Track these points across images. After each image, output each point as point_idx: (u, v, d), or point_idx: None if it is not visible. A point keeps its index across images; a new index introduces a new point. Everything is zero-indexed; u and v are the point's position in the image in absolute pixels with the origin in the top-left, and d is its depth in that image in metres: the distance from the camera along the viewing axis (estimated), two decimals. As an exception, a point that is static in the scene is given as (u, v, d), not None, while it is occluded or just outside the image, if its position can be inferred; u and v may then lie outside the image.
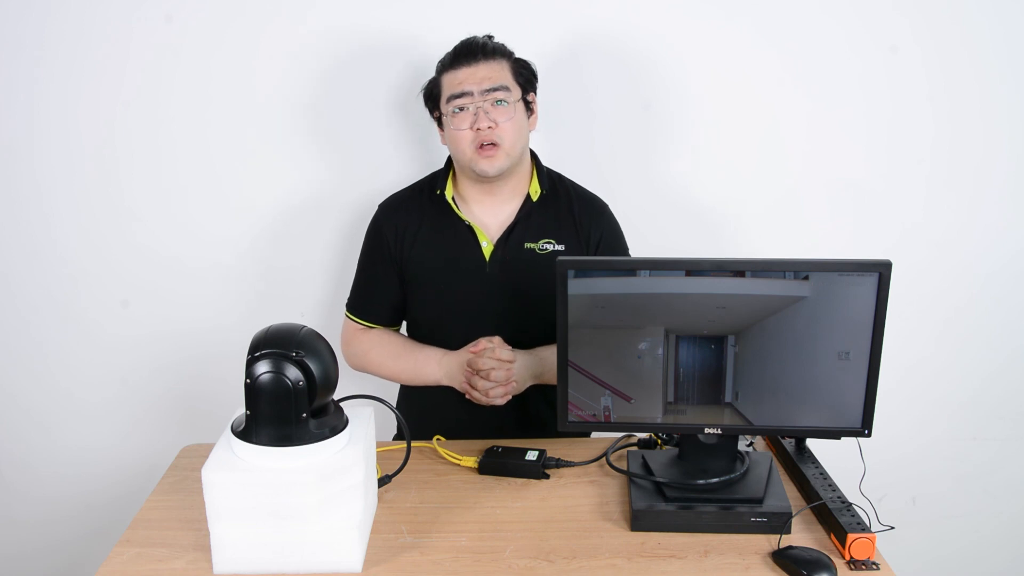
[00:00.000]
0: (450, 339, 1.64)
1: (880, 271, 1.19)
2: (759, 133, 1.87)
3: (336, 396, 1.24)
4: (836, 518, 1.22)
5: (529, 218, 1.62)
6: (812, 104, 1.85)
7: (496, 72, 1.56)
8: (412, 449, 1.38)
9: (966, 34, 1.81)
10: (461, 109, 1.55)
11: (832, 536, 1.23)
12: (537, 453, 1.44)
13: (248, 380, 1.14)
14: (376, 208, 1.70)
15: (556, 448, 1.48)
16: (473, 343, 1.56)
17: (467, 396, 1.57)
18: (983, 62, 1.82)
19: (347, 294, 1.75)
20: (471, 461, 1.46)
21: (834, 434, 1.28)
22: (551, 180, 1.67)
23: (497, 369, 1.52)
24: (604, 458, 1.46)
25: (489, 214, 1.64)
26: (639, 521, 1.26)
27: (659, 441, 1.48)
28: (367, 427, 1.25)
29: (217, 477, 1.12)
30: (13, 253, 1.93)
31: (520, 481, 1.41)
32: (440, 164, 1.71)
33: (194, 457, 1.51)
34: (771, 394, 1.27)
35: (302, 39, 1.81)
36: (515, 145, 1.56)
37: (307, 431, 1.15)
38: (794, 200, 1.91)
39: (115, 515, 1.92)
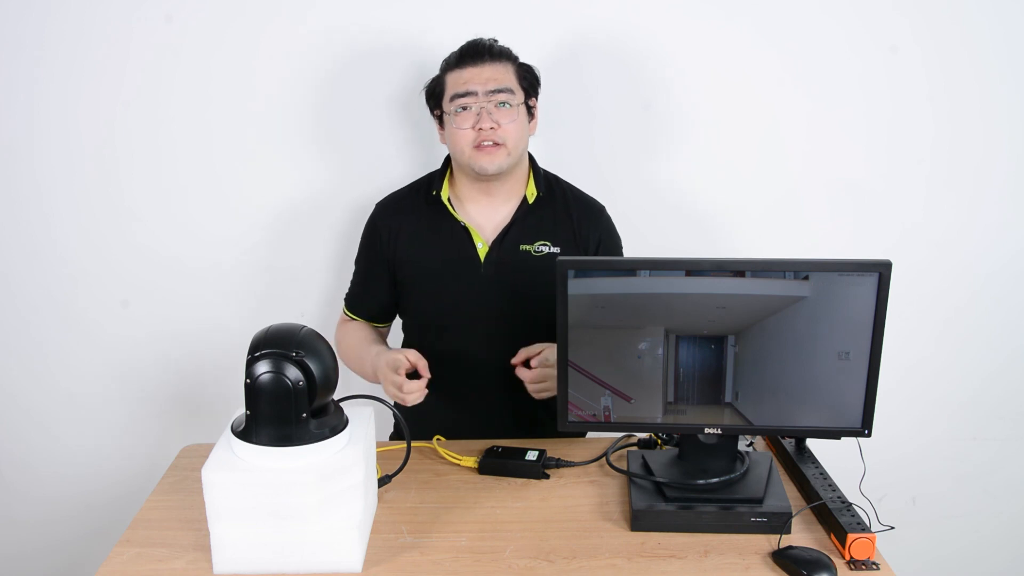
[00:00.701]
0: (444, 340, 1.64)
1: (880, 271, 1.19)
2: (759, 133, 1.87)
3: (336, 396, 1.24)
4: (836, 518, 1.22)
5: (525, 220, 1.62)
6: (812, 104, 1.85)
7: (501, 74, 1.56)
8: (412, 449, 1.38)
9: (966, 34, 1.81)
10: (464, 108, 1.55)
11: (832, 536, 1.23)
12: (537, 453, 1.44)
13: (248, 380, 1.14)
14: (374, 207, 1.70)
15: (556, 448, 1.48)
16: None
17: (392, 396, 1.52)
18: (983, 62, 1.82)
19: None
20: (471, 461, 1.46)
21: (834, 434, 1.28)
22: (547, 182, 1.67)
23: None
24: (604, 458, 1.46)
25: (485, 215, 1.64)
26: (639, 521, 1.26)
27: (659, 441, 1.48)
28: (367, 427, 1.25)
29: (217, 477, 1.12)
30: (13, 253, 1.93)
31: (520, 481, 1.41)
32: (440, 164, 1.71)
33: (194, 457, 1.51)
34: (771, 394, 1.27)
35: (302, 39, 1.81)
36: (517, 146, 1.57)
37: (307, 431, 1.15)
38: (794, 200, 1.91)
39: (115, 515, 1.92)
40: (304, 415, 1.15)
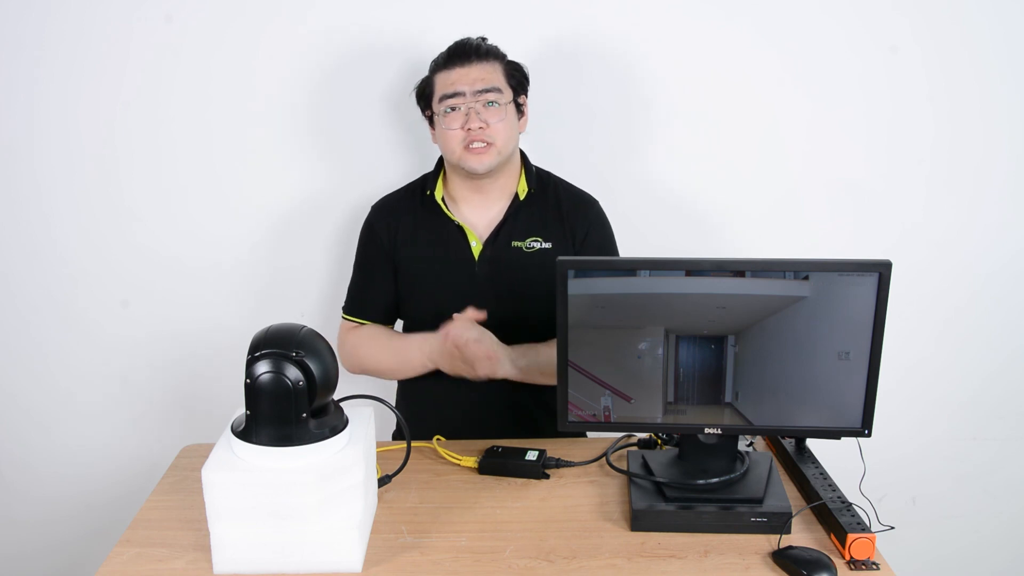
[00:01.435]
0: None
1: (880, 271, 1.19)
2: (759, 133, 1.87)
3: (336, 396, 1.24)
4: (836, 518, 1.22)
5: (516, 216, 1.63)
6: (812, 104, 1.85)
7: (489, 73, 1.57)
8: (412, 449, 1.38)
9: (966, 34, 1.81)
10: (453, 109, 1.56)
11: (832, 536, 1.23)
12: (537, 453, 1.44)
13: (248, 380, 1.14)
14: (369, 209, 1.70)
15: (556, 448, 1.48)
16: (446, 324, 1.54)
17: (453, 374, 1.55)
18: (983, 62, 1.82)
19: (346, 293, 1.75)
20: (471, 461, 1.46)
21: (834, 434, 1.28)
22: (540, 179, 1.67)
23: (476, 340, 1.49)
24: (604, 458, 1.46)
25: (478, 214, 1.64)
26: (639, 521, 1.26)
27: (659, 441, 1.48)
28: (367, 427, 1.25)
29: (217, 477, 1.12)
30: (13, 253, 1.93)
31: (520, 481, 1.41)
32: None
33: (194, 457, 1.50)
34: (771, 394, 1.27)
35: (302, 39, 1.81)
36: (507, 145, 1.57)
37: (307, 431, 1.15)
38: (794, 200, 1.91)
39: (115, 515, 1.92)
40: (304, 415, 1.15)
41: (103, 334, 1.99)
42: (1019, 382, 2.04)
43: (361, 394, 1.34)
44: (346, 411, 1.25)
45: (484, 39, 1.60)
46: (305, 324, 1.20)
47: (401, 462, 1.38)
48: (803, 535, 1.25)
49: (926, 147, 1.88)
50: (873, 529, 1.20)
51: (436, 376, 1.62)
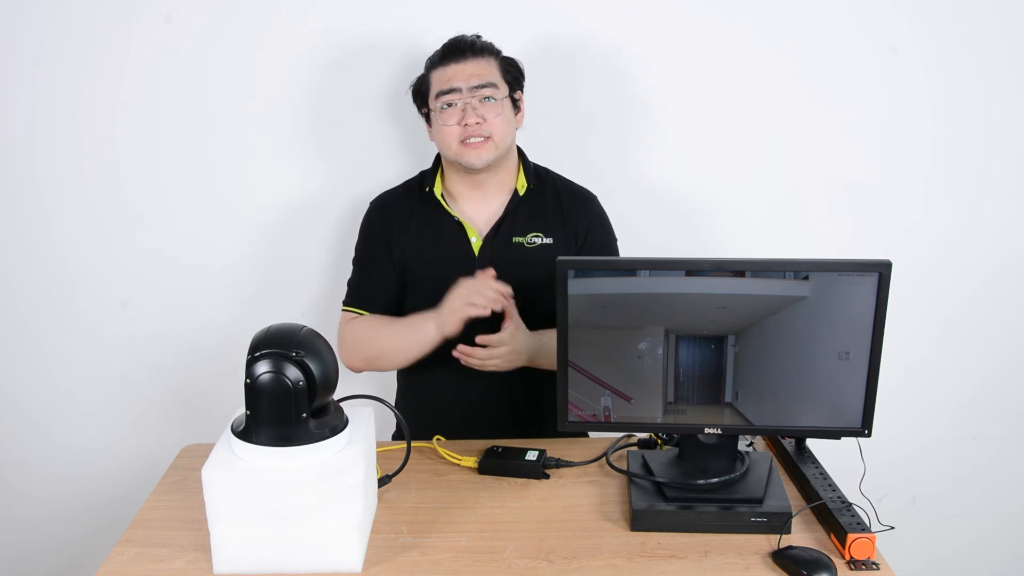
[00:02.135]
0: None
1: (880, 271, 1.19)
2: (759, 133, 1.87)
3: (336, 396, 1.24)
4: (836, 518, 1.22)
5: (516, 212, 1.63)
6: (812, 104, 1.85)
7: (484, 69, 1.57)
8: (412, 449, 1.38)
9: (966, 34, 1.81)
10: (449, 105, 1.56)
11: (832, 536, 1.23)
12: (537, 453, 1.44)
13: (248, 380, 1.14)
14: (368, 205, 1.70)
15: (556, 448, 1.48)
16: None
17: (463, 361, 1.51)
18: (983, 62, 1.82)
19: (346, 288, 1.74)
20: (471, 461, 1.46)
21: (834, 434, 1.28)
22: (538, 175, 1.68)
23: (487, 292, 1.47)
24: (604, 458, 1.46)
25: (477, 210, 1.64)
26: (639, 521, 1.26)
27: (659, 441, 1.48)
28: (367, 427, 1.25)
29: (217, 477, 1.12)
30: (13, 253, 1.93)
31: (520, 481, 1.41)
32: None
33: (194, 457, 1.50)
34: (771, 394, 1.27)
35: (302, 39, 1.81)
36: (504, 139, 1.58)
37: (307, 431, 1.15)
38: (794, 200, 1.91)
39: (115, 515, 1.92)
40: (304, 415, 1.15)
41: (103, 334, 1.99)
42: (1019, 382, 2.04)
43: (361, 394, 1.34)
44: (346, 411, 1.25)
45: (479, 36, 1.61)
46: (305, 324, 1.20)
47: (401, 462, 1.38)
48: (803, 535, 1.25)
49: (926, 147, 1.88)
50: (873, 529, 1.20)
51: (436, 376, 1.62)
